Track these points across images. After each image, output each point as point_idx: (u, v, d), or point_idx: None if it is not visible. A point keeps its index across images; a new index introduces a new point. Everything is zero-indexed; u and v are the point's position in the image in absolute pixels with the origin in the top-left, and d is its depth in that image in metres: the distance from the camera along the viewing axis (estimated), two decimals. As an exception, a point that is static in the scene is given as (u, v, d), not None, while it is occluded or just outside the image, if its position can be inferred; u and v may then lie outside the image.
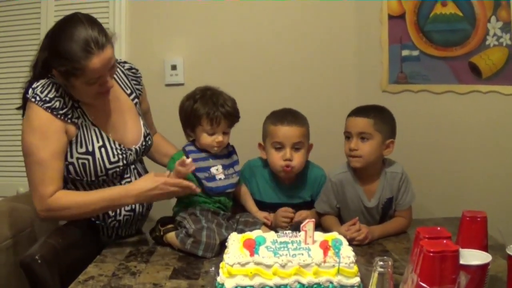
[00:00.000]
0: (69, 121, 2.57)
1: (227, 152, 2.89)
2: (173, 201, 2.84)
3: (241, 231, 2.45)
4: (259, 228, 2.59)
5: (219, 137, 2.77)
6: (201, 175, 2.76)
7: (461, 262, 1.71)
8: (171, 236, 2.67)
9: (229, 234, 2.28)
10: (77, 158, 2.62)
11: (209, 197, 2.77)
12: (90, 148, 2.64)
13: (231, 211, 2.90)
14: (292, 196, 3.09)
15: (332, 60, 3.98)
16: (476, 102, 3.58)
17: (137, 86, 2.98)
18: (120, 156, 2.72)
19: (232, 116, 2.80)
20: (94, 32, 2.45)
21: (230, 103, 2.79)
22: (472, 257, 1.89)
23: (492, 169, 3.57)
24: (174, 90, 3.87)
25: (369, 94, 3.87)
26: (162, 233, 2.71)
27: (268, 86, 3.97)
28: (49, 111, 2.52)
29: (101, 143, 2.67)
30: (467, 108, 3.63)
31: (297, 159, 2.96)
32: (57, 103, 2.53)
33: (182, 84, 3.93)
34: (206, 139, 2.77)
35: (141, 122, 2.92)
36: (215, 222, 2.67)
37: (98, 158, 2.65)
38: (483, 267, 1.87)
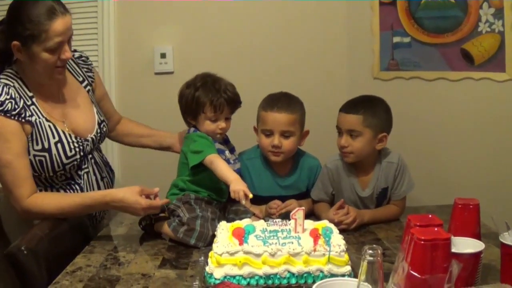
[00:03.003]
0: (23, 120, 2.54)
1: (223, 140, 2.89)
2: (166, 189, 2.81)
3: (231, 220, 2.43)
4: (249, 217, 2.57)
5: (222, 124, 2.77)
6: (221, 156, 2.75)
7: (453, 250, 1.69)
8: (163, 225, 2.64)
9: (221, 225, 2.26)
10: (34, 155, 2.60)
11: (209, 187, 2.73)
12: (46, 145, 2.62)
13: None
14: (287, 188, 3.05)
15: (323, 48, 3.98)
16: (468, 89, 3.56)
17: (89, 74, 2.96)
18: (77, 149, 2.70)
19: (234, 101, 2.81)
20: (57, 3, 2.52)
21: (231, 89, 2.80)
22: (465, 245, 1.88)
23: (485, 156, 3.55)
24: (163, 79, 3.86)
25: (360, 81, 3.88)
26: (153, 222, 2.68)
27: (258, 75, 3.96)
28: (2, 114, 2.48)
29: (57, 138, 2.65)
30: (459, 95, 3.60)
31: (286, 145, 2.93)
32: (9, 105, 2.49)
33: (171, 73, 3.92)
34: (210, 126, 2.75)
35: (95, 110, 2.90)
36: (209, 211, 2.65)
37: (55, 154, 2.63)
38: (476, 255, 1.86)
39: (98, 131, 2.86)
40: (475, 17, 3.47)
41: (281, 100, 2.95)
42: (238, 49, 3.97)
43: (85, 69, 2.95)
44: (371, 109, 2.85)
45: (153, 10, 3.96)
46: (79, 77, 2.90)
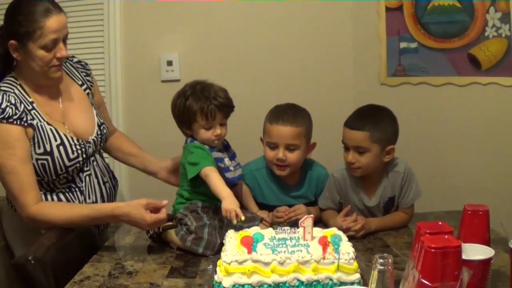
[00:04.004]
0: (25, 124, 2.56)
1: (223, 146, 2.85)
2: (173, 198, 2.81)
3: (239, 228, 2.42)
4: (257, 224, 2.56)
5: (217, 130, 2.71)
6: (219, 165, 2.72)
7: (463, 257, 1.68)
8: (170, 233, 2.63)
9: (230, 233, 2.26)
10: (36, 159, 2.62)
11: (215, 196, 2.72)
12: (48, 148, 2.63)
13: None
14: (296, 197, 3.03)
15: (330, 54, 3.97)
16: (476, 94, 3.55)
17: (87, 78, 3.01)
18: (80, 151, 2.72)
19: (226, 107, 2.74)
20: (52, 3, 2.60)
21: (222, 94, 2.73)
22: (474, 251, 1.86)
23: (493, 162, 3.54)
24: (170, 86, 3.84)
25: (367, 88, 3.87)
26: (161, 230, 2.66)
27: (265, 82, 3.96)
28: (5, 121, 2.51)
29: (59, 141, 2.66)
30: (466, 100, 3.60)
31: (291, 159, 2.89)
32: (10, 111, 2.51)
33: (178, 80, 3.91)
34: (205, 134, 2.71)
35: (94, 112, 2.93)
36: (216, 219, 2.64)
37: (57, 157, 2.64)
38: (486, 262, 1.84)
39: (99, 132, 2.87)
40: (481, 22, 3.47)
41: (286, 113, 2.91)
42: (244, 56, 3.97)
43: (84, 74, 2.99)
44: (377, 124, 2.80)
45: (159, 18, 3.96)
46: (78, 80, 2.93)
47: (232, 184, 2.74)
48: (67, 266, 2.40)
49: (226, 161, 2.78)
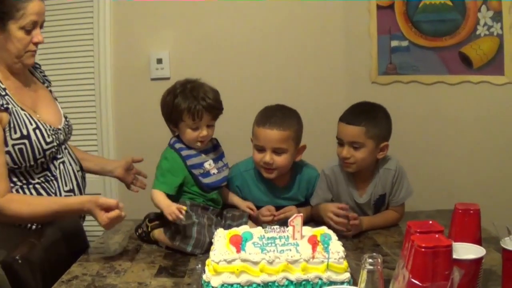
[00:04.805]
0: (1, 108, 2.54)
1: (212, 146, 2.83)
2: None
3: (228, 227, 2.42)
4: (246, 222, 2.57)
5: (203, 132, 2.68)
6: (196, 171, 2.70)
7: (454, 256, 1.67)
8: (159, 232, 2.62)
9: (218, 231, 2.25)
10: (13, 145, 2.58)
11: (203, 195, 2.71)
12: (24, 132, 2.60)
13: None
14: (285, 198, 3.00)
15: (321, 52, 3.96)
16: (467, 93, 3.55)
17: (45, 78, 3.04)
18: (53, 137, 2.71)
19: (214, 108, 2.71)
20: None
21: (211, 95, 2.70)
22: (466, 251, 1.85)
23: (484, 160, 3.55)
24: (159, 84, 3.79)
25: (358, 86, 3.86)
26: (149, 229, 2.66)
27: (256, 81, 3.94)
28: None
29: (34, 125, 2.64)
30: (458, 99, 3.60)
31: (278, 162, 2.85)
32: None
33: (168, 78, 3.90)
34: (191, 134, 2.68)
35: (58, 105, 2.96)
36: (205, 217, 2.62)
37: (35, 141, 2.61)
38: (477, 261, 1.83)
39: (66, 123, 2.88)
40: (473, 20, 3.46)
41: (274, 116, 2.86)
42: (235, 54, 3.96)
43: (42, 74, 3.01)
44: (373, 120, 2.80)
45: (149, 16, 3.94)
46: (39, 79, 2.96)
47: (213, 188, 2.74)
48: (55, 265, 2.39)
49: (207, 165, 2.75)
